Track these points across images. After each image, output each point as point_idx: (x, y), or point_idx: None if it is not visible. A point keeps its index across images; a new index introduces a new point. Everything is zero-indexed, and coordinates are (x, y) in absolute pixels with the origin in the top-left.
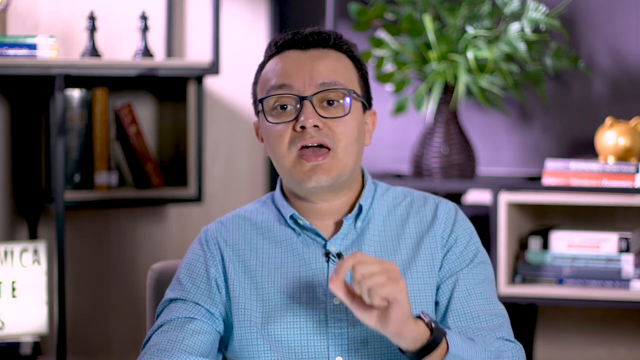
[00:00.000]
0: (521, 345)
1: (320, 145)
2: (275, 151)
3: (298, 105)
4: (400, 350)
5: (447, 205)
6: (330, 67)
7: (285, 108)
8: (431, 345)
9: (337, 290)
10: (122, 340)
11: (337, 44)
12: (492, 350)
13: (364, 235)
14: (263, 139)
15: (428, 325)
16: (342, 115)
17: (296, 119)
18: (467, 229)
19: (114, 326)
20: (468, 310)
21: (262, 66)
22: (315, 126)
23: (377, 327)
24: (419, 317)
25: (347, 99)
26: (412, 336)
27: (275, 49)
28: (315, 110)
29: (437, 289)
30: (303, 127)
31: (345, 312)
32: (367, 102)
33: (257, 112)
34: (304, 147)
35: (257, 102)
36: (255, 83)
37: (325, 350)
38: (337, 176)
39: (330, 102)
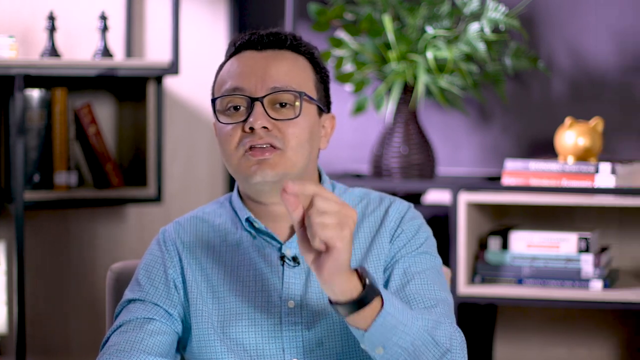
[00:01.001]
0: (462, 333)
1: (269, 146)
2: (224, 149)
3: (249, 107)
4: (330, 301)
5: (401, 205)
6: (284, 69)
7: (238, 109)
8: (360, 302)
9: (289, 203)
10: (82, 340)
11: (294, 45)
12: (430, 319)
13: None
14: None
15: (362, 280)
16: (292, 117)
17: (246, 120)
18: (415, 223)
19: (73, 326)
20: (404, 294)
21: (221, 67)
22: (265, 127)
23: (312, 268)
24: (357, 270)
25: (298, 102)
26: (342, 289)
27: (233, 49)
28: (266, 111)
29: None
30: (252, 129)
31: (300, 315)
32: (324, 106)
33: (214, 112)
34: (252, 147)
35: (211, 102)
36: (214, 83)
37: (281, 353)
38: (283, 173)
39: (282, 105)
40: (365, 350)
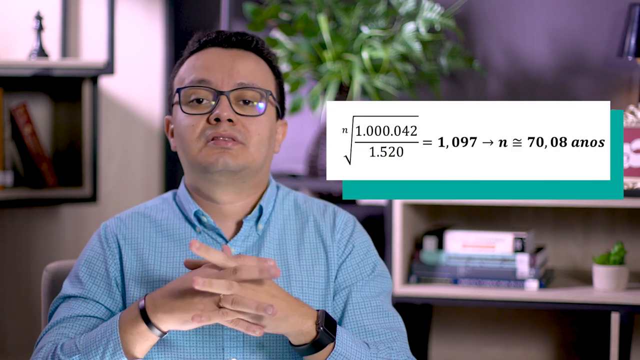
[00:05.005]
0: None
1: (231, 139)
2: (184, 139)
3: (214, 101)
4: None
5: (346, 216)
6: (250, 68)
7: (201, 102)
8: (315, 344)
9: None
10: (17, 340)
11: (258, 48)
12: (383, 356)
13: (264, 238)
14: (174, 132)
15: (317, 326)
16: (256, 114)
17: (211, 112)
18: (365, 240)
19: (9, 326)
20: (362, 324)
21: (182, 62)
22: (230, 121)
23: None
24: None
25: (263, 102)
26: (295, 330)
27: (197, 45)
28: (231, 106)
29: (333, 297)
30: (217, 120)
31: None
32: (281, 110)
33: (171, 105)
34: (214, 138)
35: (174, 93)
36: (173, 77)
37: (221, 352)
38: (244, 165)
39: (246, 102)
40: None
